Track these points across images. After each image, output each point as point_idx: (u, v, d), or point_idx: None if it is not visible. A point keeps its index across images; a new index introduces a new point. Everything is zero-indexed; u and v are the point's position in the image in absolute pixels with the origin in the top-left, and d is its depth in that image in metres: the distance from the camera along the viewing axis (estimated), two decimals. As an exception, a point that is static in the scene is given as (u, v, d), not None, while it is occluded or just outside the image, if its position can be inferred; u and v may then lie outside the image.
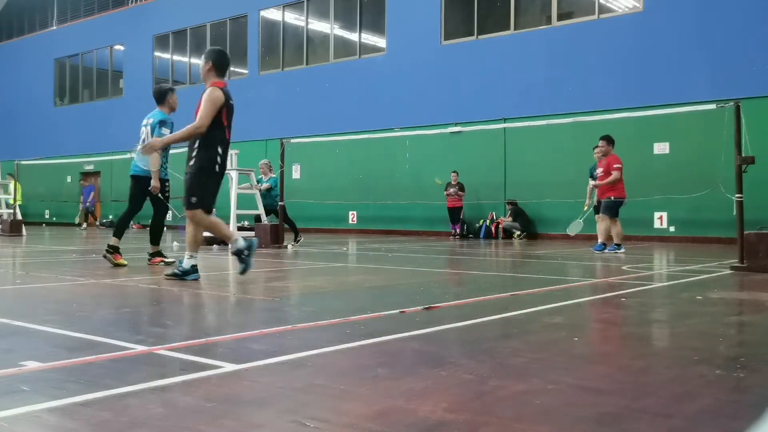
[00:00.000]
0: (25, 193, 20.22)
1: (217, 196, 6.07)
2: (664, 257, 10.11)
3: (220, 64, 5.95)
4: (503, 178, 16.74)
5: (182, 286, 5.49)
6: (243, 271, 6.02)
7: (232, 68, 22.86)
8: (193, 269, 5.89)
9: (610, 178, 10.26)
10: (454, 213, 16.66)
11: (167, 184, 7.74)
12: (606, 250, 10.24)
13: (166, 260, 7.58)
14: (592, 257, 9.55)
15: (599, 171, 10.58)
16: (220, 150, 5.79)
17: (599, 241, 10.42)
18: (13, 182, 17.78)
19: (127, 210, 7.66)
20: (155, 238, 7.85)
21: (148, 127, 7.64)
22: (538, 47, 16.33)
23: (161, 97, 7.72)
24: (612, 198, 10.32)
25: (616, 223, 10.39)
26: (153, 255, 7.72)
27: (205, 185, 5.84)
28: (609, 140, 10.59)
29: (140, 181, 7.63)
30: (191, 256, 5.90)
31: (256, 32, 21.98)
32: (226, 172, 11.81)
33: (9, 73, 30.60)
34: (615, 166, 10.31)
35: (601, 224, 10.42)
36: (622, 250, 10.23)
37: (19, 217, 17.20)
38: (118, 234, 7.53)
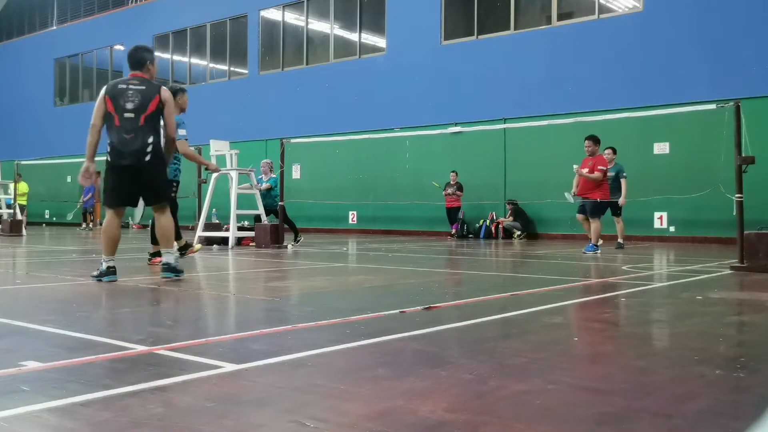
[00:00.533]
0: (27, 192, 20.23)
1: (147, 189, 5.89)
2: (664, 257, 10.11)
3: (127, 60, 6.07)
4: (503, 178, 16.73)
5: (182, 286, 5.49)
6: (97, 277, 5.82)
7: (232, 68, 22.94)
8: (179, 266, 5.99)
9: (592, 175, 10.37)
10: (452, 213, 16.67)
11: (174, 185, 7.82)
12: (590, 251, 10.30)
13: (167, 260, 7.58)
14: (592, 257, 9.54)
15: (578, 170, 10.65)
16: (109, 140, 5.78)
17: (592, 242, 10.46)
18: (13, 183, 17.78)
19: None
20: (156, 239, 7.85)
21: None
22: (538, 47, 16.33)
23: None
24: (598, 200, 10.46)
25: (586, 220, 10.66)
26: (153, 255, 7.73)
27: (106, 182, 5.89)
28: (595, 140, 10.67)
29: None
30: (168, 252, 5.96)
31: (256, 32, 21.98)
32: (226, 172, 12.10)
33: (9, 73, 30.60)
34: (600, 167, 10.45)
35: (594, 225, 10.48)
36: (582, 251, 10.42)
37: (20, 217, 17.20)
38: (177, 235, 7.86)
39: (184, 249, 8.06)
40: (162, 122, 5.98)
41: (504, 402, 2.23)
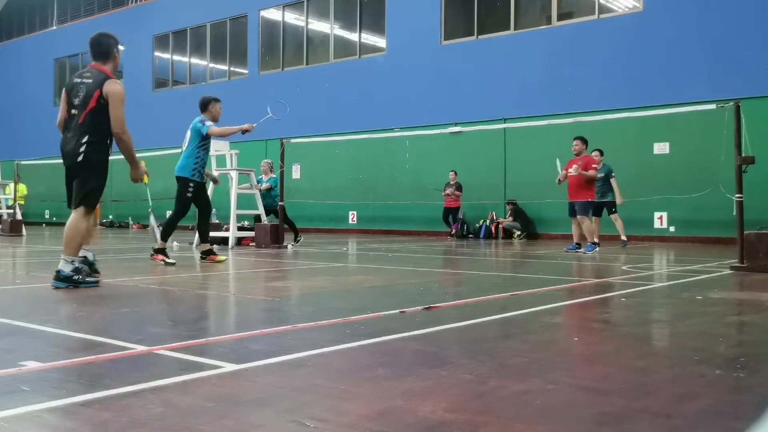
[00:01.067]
0: (26, 194, 20.23)
1: (75, 190, 5.42)
2: (664, 257, 10.11)
3: (90, 49, 5.54)
4: (503, 178, 16.73)
5: (182, 286, 5.49)
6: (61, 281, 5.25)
7: (232, 68, 22.94)
8: (74, 273, 5.24)
9: (589, 172, 10.44)
10: (451, 213, 16.65)
11: (191, 185, 7.85)
12: (589, 251, 10.30)
13: (167, 260, 7.58)
14: (592, 258, 9.55)
15: (571, 170, 10.66)
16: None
17: (589, 241, 10.51)
18: (13, 183, 17.77)
19: (173, 213, 7.88)
20: (165, 235, 7.85)
21: (189, 131, 7.95)
22: (538, 47, 16.32)
23: (204, 106, 8.09)
24: (588, 200, 10.56)
25: (578, 223, 10.69)
26: (156, 252, 7.71)
27: None
28: (584, 141, 10.83)
29: (181, 182, 7.91)
30: (64, 259, 5.24)
31: (256, 32, 21.98)
32: (226, 172, 12.12)
33: (9, 73, 30.59)
34: (593, 166, 10.61)
35: (585, 224, 10.51)
36: (582, 251, 10.40)
37: (19, 217, 17.20)
38: (204, 239, 8.05)
39: (207, 254, 8.00)
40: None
41: (504, 402, 2.23)
